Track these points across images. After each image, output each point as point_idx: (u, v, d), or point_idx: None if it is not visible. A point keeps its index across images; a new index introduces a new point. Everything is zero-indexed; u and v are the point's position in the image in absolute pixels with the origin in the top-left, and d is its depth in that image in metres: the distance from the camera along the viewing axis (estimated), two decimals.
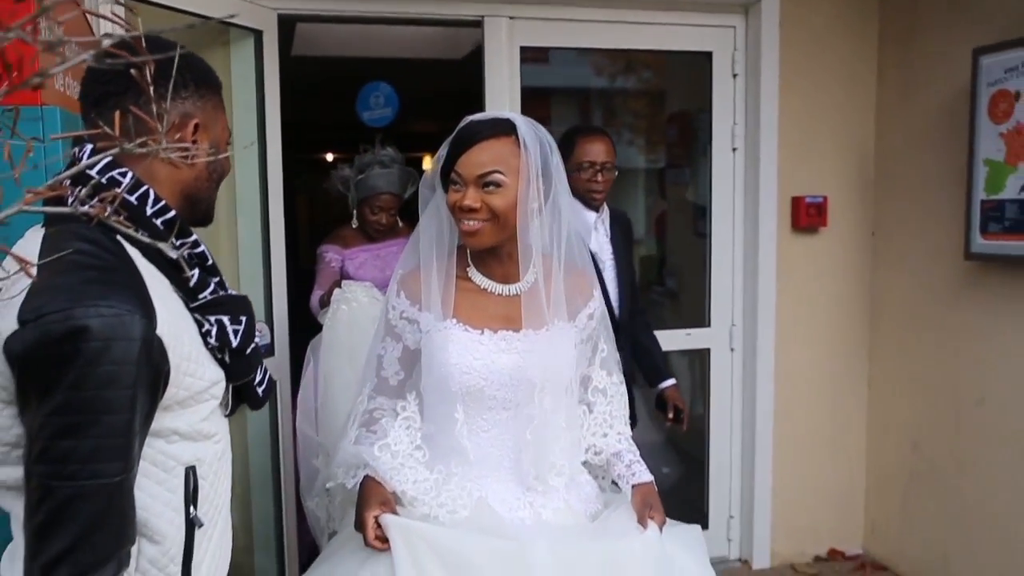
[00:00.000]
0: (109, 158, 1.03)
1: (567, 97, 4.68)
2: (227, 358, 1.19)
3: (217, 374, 1.17)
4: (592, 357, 1.80)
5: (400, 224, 3.50)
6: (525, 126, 1.63)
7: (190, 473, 1.13)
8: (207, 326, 1.16)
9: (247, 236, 3.06)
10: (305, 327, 3.44)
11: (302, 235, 8.43)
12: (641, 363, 2.88)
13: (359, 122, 5.45)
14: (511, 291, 1.68)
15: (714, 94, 3.53)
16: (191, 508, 1.13)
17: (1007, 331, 3.00)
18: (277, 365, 3.11)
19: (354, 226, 3.46)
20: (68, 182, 0.95)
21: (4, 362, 0.98)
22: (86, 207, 0.85)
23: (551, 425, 1.65)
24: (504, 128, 1.62)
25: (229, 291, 1.22)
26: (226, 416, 1.26)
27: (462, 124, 1.66)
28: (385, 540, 1.49)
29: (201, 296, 1.16)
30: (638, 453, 1.84)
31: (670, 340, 3.43)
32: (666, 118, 4.55)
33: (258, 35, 2.95)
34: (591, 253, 2.55)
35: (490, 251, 1.67)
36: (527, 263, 1.66)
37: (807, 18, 3.46)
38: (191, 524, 1.13)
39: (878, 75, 3.57)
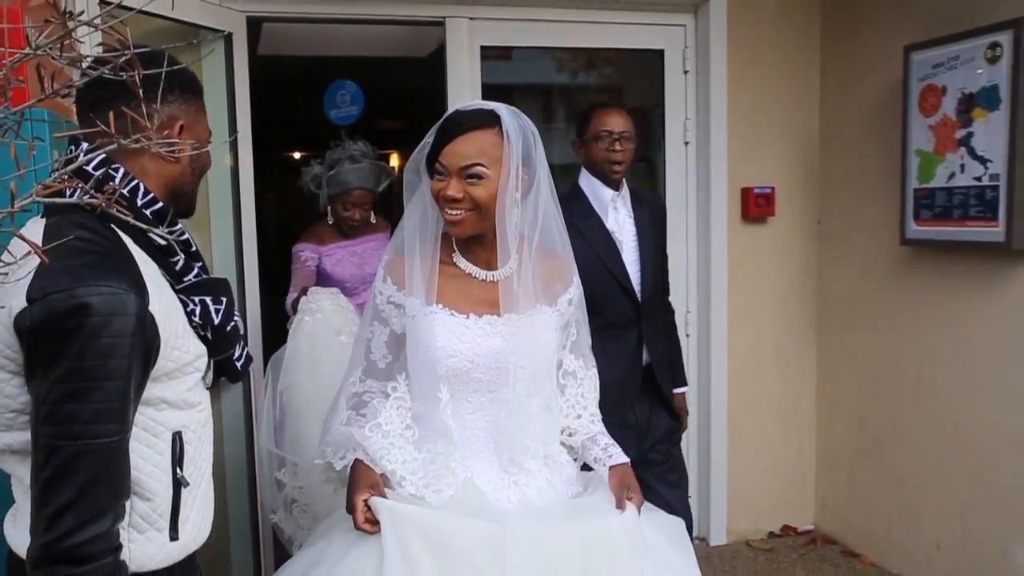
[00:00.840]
0: (104, 155, 1.15)
1: (529, 93, 4.79)
2: (209, 335, 1.32)
3: (200, 349, 1.30)
4: (565, 341, 1.84)
5: (374, 219, 3.46)
6: (509, 117, 1.65)
7: (177, 438, 1.26)
8: (191, 306, 1.29)
9: (220, 231, 3.17)
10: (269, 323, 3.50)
11: (270, 233, 8.46)
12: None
13: (327, 120, 5.54)
14: (494, 276, 1.71)
15: (666, 90, 3.70)
16: (178, 469, 1.26)
17: (938, 311, 3.20)
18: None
19: (329, 223, 3.40)
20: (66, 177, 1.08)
21: (14, 336, 1.10)
22: (87, 198, 0.99)
23: (525, 409, 1.68)
24: (488, 119, 1.65)
25: (211, 275, 1.35)
26: (207, 388, 1.38)
27: (448, 114, 1.70)
28: (375, 523, 1.53)
29: (186, 279, 1.29)
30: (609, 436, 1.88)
31: None
32: (650, 109, 4.69)
33: (228, 37, 3.06)
34: (607, 232, 2.61)
35: (474, 238, 1.70)
36: (504, 250, 1.69)
37: (753, 16, 3.64)
38: (178, 484, 1.26)
39: (821, 70, 3.76)
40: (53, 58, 0.67)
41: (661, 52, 3.68)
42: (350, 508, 1.57)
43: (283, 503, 3.06)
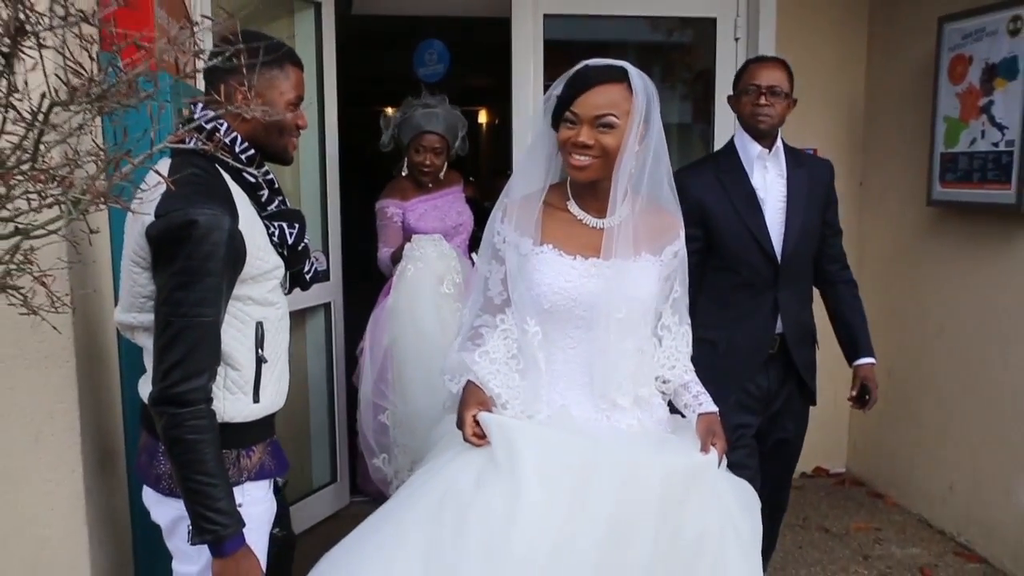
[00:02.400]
0: (212, 112, 1.57)
1: (592, 53, 4.93)
2: (285, 252, 1.74)
3: (278, 262, 1.72)
4: (668, 295, 1.94)
5: (448, 173, 3.52)
6: (636, 74, 1.77)
7: (259, 326, 1.68)
8: (272, 228, 1.70)
9: (308, 179, 3.62)
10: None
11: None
12: (839, 335, 2.82)
13: (417, 77, 5.93)
14: (604, 224, 1.83)
15: (717, 56, 3.95)
16: (259, 349, 1.68)
17: (959, 268, 3.42)
18: (331, 289, 3.68)
19: (404, 174, 3.48)
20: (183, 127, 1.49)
21: (145, 240, 1.53)
22: (201, 144, 1.39)
23: (618, 349, 1.80)
24: (618, 75, 1.76)
25: (288, 207, 1.77)
26: (285, 293, 1.80)
27: (578, 68, 1.80)
28: (482, 436, 1.67)
29: (269, 208, 1.71)
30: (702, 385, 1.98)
31: None
32: (693, 76, 4.91)
33: (317, 6, 3.47)
34: (751, 188, 2.57)
35: (589, 186, 1.81)
36: (615, 198, 1.79)
37: None
38: (259, 360, 1.68)
39: (868, 38, 3.94)
40: (184, 51, 1.06)
41: (713, 20, 3.93)
42: (460, 423, 1.72)
43: (387, 446, 3.34)
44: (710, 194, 2.55)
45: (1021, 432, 3.16)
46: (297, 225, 1.77)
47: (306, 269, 1.88)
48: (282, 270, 1.75)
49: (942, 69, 3.30)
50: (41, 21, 1.16)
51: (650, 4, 3.89)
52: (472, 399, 1.74)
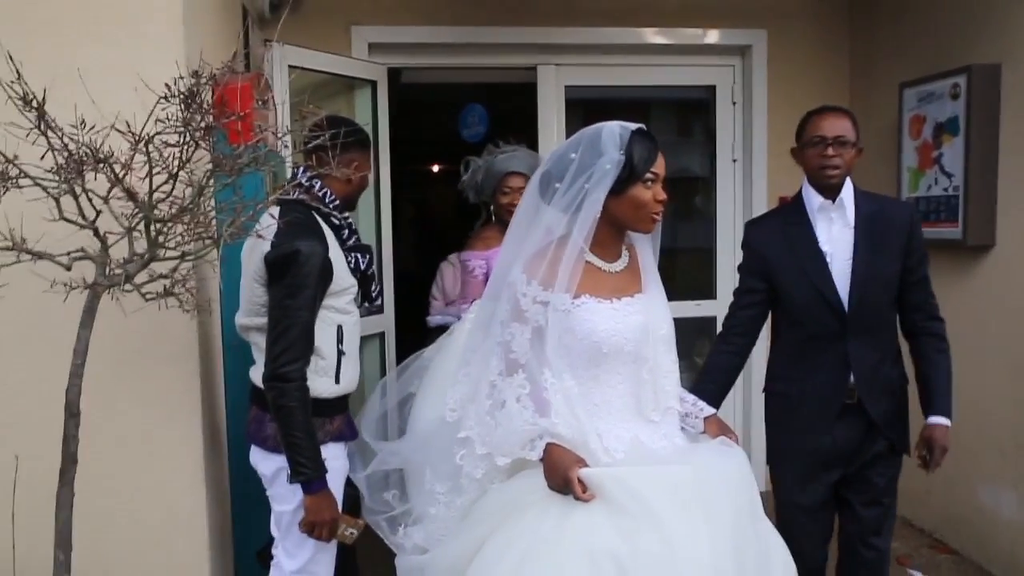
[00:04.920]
0: (309, 175, 2.21)
1: (606, 110, 5.43)
2: (359, 274, 2.35)
3: (353, 281, 2.33)
4: None
5: None
6: None
7: (339, 328, 2.28)
8: (350, 258, 2.32)
9: (364, 230, 4.24)
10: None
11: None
12: (918, 387, 2.68)
13: (460, 138, 6.58)
14: (616, 268, 1.99)
15: (717, 118, 4.56)
16: (339, 345, 2.29)
17: None
18: (385, 320, 4.29)
19: (492, 220, 3.45)
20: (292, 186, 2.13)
21: (263, 265, 2.15)
22: (302, 196, 2.02)
23: (662, 365, 1.97)
24: None
25: (362, 242, 2.40)
26: (357, 306, 2.41)
27: (637, 131, 1.91)
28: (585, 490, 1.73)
29: (348, 243, 2.33)
30: None
31: (680, 309, 4.40)
32: (704, 133, 5.47)
33: (373, 84, 4.15)
34: (815, 241, 2.53)
35: (613, 235, 1.98)
36: (656, 244, 2.03)
37: (791, 57, 4.45)
38: (340, 352, 2.28)
39: (849, 100, 4.51)
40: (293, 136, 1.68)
41: (713, 87, 4.54)
42: (561, 484, 1.76)
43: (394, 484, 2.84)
44: (774, 248, 2.57)
45: (980, 442, 3.63)
46: (368, 255, 2.40)
47: (373, 289, 2.49)
48: (356, 288, 2.37)
49: (904, 127, 3.86)
50: (207, 119, 1.80)
51: (657, 75, 4.51)
52: (569, 460, 1.78)
